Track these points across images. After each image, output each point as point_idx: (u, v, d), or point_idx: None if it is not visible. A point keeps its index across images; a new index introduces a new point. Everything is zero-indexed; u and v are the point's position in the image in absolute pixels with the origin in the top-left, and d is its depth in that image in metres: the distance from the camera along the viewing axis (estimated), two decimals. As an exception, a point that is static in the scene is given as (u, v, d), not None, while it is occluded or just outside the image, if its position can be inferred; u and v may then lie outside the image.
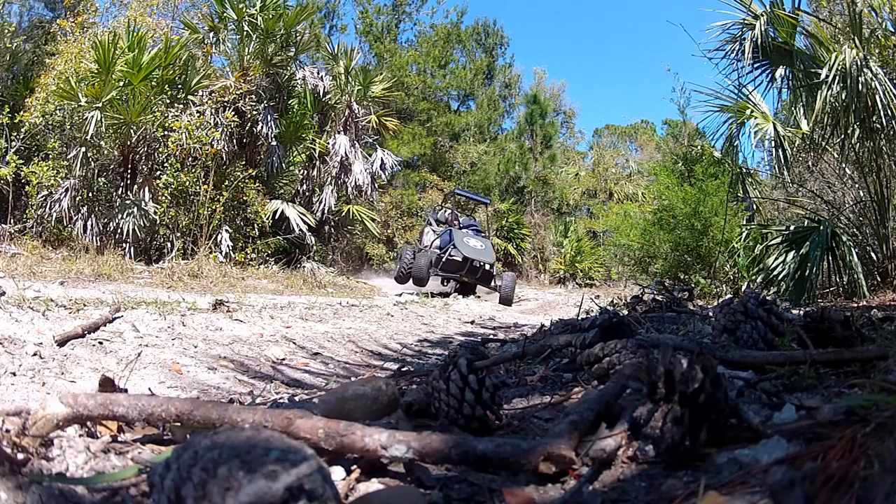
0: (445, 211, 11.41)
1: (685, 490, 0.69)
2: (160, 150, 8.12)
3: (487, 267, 9.54)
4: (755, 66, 5.69)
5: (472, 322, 5.54)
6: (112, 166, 8.09)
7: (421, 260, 9.36)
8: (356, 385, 1.11)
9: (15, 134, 7.93)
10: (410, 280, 9.47)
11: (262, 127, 9.11)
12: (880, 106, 4.92)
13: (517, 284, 9.99)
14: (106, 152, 7.93)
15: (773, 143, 5.90)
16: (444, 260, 9.38)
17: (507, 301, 9.07)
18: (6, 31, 9.19)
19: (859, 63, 4.89)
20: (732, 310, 1.53)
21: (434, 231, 10.67)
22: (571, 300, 9.88)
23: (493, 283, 9.88)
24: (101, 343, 2.40)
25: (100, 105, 7.28)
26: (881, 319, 2.17)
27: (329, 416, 0.90)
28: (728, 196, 6.49)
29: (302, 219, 9.32)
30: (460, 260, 9.33)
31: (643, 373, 0.99)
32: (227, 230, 8.17)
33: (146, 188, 7.86)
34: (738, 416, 0.84)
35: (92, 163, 7.76)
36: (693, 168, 8.44)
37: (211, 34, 9.42)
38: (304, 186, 10.63)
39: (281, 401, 1.73)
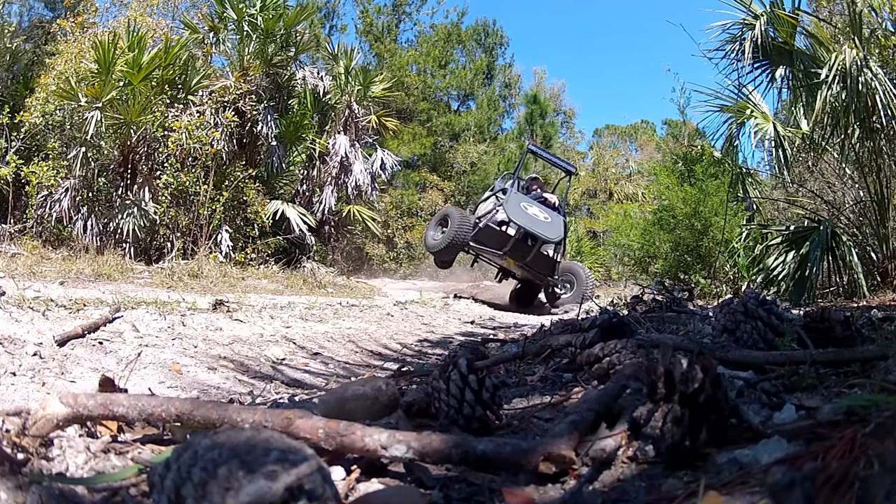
0: (523, 181, 7.91)
1: (685, 490, 0.69)
2: (160, 150, 8.12)
3: (547, 250, 6.43)
4: (755, 66, 5.70)
5: (472, 322, 5.54)
6: (112, 166, 8.10)
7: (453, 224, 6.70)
8: (356, 385, 1.11)
9: (15, 134, 7.93)
10: (455, 253, 6.90)
11: (262, 127, 9.11)
12: (880, 106, 4.92)
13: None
14: (106, 152, 7.93)
15: (773, 143, 5.90)
16: (481, 226, 6.45)
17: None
18: (6, 31, 9.20)
19: (859, 63, 4.89)
20: (732, 310, 1.53)
21: (495, 195, 7.40)
22: (571, 300, 9.84)
23: (553, 278, 6.56)
24: (101, 343, 2.40)
25: (100, 105, 7.29)
26: (881, 319, 2.17)
27: (329, 416, 0.90)
28: (728, 196, 6.49)
29: (302, 219, 9.32)
30: (507, 232, 6.26)
31: (643, 373, 0.99)
32: (227, 230, 8.17)
33: (146, 188, 7.86)
34: (738, 416, 0.84)
35: (92, 163, 7.76)
36: (693, 168, 8.42)
37: (211, 34, 9.42)
38: (304, 186, 10.63)
39: (281, 401, 1.73)
